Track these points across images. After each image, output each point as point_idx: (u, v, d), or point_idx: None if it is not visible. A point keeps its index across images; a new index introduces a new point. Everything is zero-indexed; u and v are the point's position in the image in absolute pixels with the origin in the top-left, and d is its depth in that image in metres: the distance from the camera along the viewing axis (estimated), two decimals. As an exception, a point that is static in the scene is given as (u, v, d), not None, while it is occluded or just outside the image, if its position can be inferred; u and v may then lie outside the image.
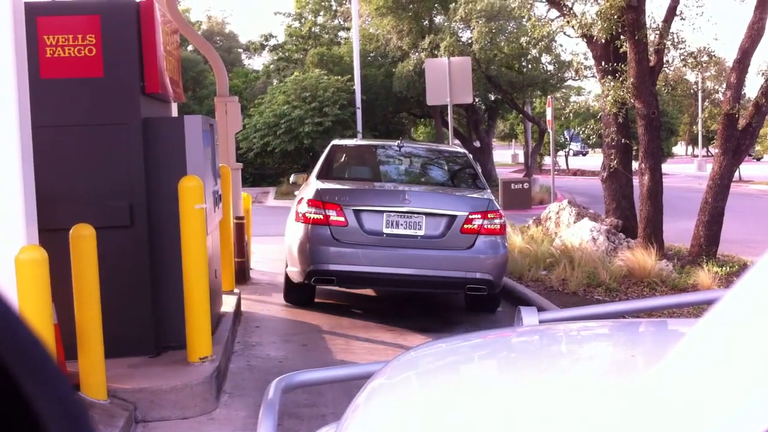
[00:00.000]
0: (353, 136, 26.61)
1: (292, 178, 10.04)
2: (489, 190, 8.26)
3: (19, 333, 0.50)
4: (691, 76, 38.05)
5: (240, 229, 9.62)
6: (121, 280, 5.69)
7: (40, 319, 4.14)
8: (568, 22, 12.15)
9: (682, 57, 11.84)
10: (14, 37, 4.33)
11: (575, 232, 11.41)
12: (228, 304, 7.60)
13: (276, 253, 12.65)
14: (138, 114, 5.87)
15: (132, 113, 5.85)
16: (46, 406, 0.46)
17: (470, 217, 7.57)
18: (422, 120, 39.55)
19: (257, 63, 45.21)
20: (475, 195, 7.99)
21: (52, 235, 4.96)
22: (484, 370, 2.02)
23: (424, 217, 7.56)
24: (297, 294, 8.42)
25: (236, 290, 8.50)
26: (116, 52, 5.81)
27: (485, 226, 7.59)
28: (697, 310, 6.63)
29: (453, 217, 7.57)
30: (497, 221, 7.67)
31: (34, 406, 0.46)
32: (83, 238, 4.82)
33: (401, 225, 7.56)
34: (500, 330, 2.65)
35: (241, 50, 46.75)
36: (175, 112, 8.11)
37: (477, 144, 34.55)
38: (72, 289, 4.83)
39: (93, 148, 5.80)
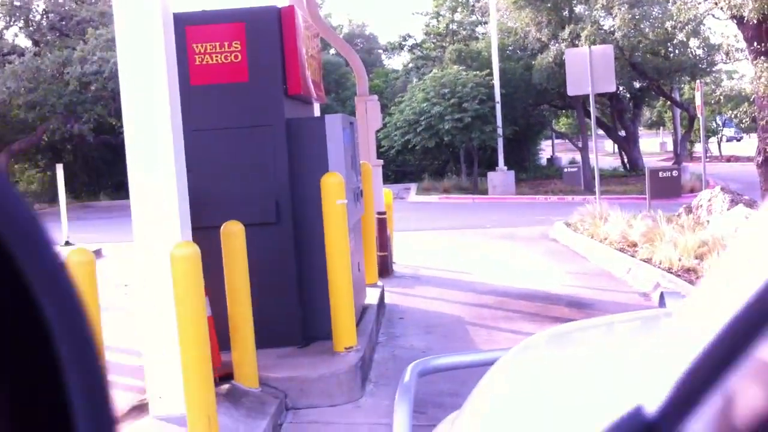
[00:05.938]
0: (493, 131, 26.47)
1: None
2: None
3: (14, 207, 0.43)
4: None
5: (382, 224, 9.79)
6: (270, 274, 5.94)
7: (194, 312, 4.29)
8: (716, 3, 11.67)
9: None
10: (165, 47, 4.61)
11: (729, 219, 10.92)
12: (372, 296, 7.76)
13: (418, 246, 12.79)
14: (282, 115, 6.11)
15: (276, 115, 6.11)
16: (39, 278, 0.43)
17: None
18: (564, 111, 38.80)
19: (397, 63, 45.66)
20: None
21: (204, 232, 5.19)
22: (602, 349, 1.97)
23: None
24: None
25: (379, 283, 8.67)
26: (260, 58, 6.07)
27: None
28: None
29: None
30: None
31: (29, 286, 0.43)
32: (233, 235, 5.08)
33: None
34: (639, 311, 2.58)
35: (381, 51, 47.33)
36: (317, 113, 8.35)
37: (622, 133, 33.58)
38: (224, 284, 5.09)
39: (240, 149, 6.08)
